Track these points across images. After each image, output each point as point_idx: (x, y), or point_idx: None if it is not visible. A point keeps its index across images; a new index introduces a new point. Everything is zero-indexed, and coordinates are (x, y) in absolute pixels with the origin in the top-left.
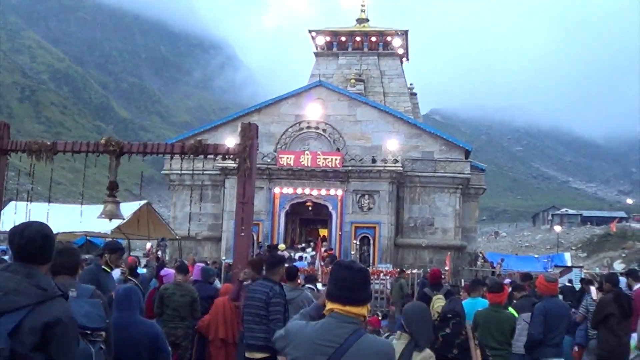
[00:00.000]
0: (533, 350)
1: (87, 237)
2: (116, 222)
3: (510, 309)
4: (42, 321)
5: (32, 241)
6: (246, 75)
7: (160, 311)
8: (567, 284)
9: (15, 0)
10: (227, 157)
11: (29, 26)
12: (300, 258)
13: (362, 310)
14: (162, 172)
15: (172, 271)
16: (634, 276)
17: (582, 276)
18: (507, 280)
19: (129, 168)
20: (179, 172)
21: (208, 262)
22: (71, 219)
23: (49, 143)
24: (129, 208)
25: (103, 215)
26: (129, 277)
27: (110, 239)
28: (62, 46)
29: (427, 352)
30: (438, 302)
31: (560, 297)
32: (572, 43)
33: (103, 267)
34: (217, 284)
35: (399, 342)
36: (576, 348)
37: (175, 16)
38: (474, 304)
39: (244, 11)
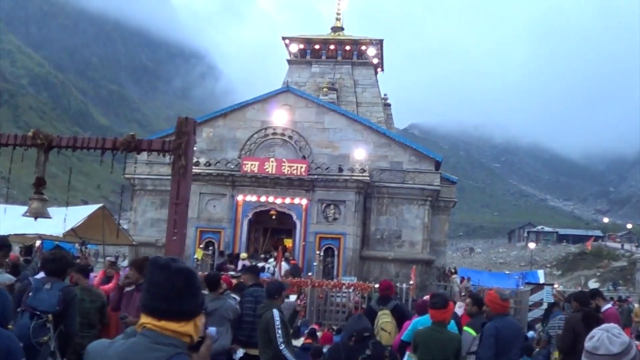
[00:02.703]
0: None
1: (43, 240)
2: (67, 225)
3: (467, 328)
4: None
5: None
6: (226, 85)
7: None
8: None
9: None
10: (162, 154)
11: (9, 30)
12: (262, 269)
13: (186, 327)
14: (125, 175)
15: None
16: (601, 296)
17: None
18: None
19: (107, 175)
20: (141, 176)
21: None
22: (25, 220)
23: None
24: (84, 211)
25: (27, 214)
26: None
27: None
28: (42, 51)
29: None
30: (383, 318)
31: None
32: (552, 61)
33: None
34: None
35: None
36: None
37: (156, 24)
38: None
39: (225, 21)
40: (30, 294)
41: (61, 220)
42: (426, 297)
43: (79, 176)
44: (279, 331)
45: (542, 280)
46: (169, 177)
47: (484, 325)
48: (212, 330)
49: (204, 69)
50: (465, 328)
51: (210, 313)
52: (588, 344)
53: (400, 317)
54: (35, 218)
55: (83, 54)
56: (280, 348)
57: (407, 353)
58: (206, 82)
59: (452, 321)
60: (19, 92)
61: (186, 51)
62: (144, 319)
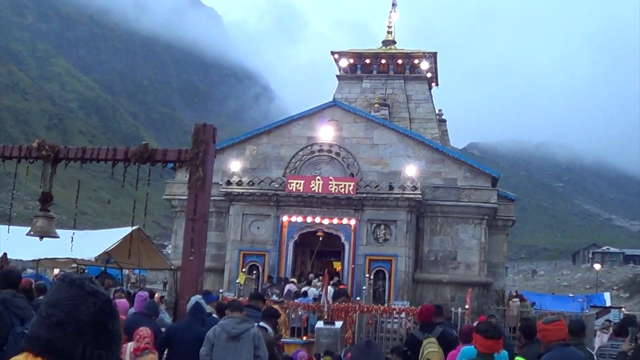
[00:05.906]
0: None
1: (78, 264)
2: (98, 248)
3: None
4: None
5: None
6: (280, 106)
7: None
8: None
9: (45, 28)
10: (179, 165)
11: (59, 54)
12: (305, 293)
13: None
14: (163, 197)
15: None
16: None
17: (621, 317)
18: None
19: (159, 199)
20: (182, 197)
21: (155, 294)
22: (57, 244)
23: None
24: (119, 233)
25: (32, 232)
26: None
27: None
28: (92, 74)
29: None
30: (429, 348)
31: None
32: (615, 76)
33: None
34: (165, 318)
35: None
36: None
37: (208, 46)
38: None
39: (279, 42)
40: None
41: (95, 244)
42: (474, 324)
43: (130, 201)
44: None
45: (608, 303)
46: (211, 199)
47: (540, 358)
48: None
49: (258, 90)
50: (516, 358)
51: (237, 337)
52: None
53: (448, 346)
54: (41, 238)
55: (134, 77)
56: None
57: None
58: (260, 103)
59: (505, 352)
60: (68, 115)
61: (239, 73)
62: (17, 356)
